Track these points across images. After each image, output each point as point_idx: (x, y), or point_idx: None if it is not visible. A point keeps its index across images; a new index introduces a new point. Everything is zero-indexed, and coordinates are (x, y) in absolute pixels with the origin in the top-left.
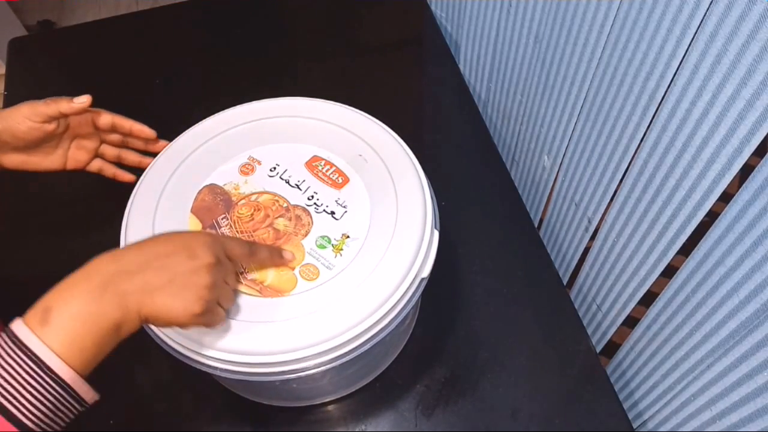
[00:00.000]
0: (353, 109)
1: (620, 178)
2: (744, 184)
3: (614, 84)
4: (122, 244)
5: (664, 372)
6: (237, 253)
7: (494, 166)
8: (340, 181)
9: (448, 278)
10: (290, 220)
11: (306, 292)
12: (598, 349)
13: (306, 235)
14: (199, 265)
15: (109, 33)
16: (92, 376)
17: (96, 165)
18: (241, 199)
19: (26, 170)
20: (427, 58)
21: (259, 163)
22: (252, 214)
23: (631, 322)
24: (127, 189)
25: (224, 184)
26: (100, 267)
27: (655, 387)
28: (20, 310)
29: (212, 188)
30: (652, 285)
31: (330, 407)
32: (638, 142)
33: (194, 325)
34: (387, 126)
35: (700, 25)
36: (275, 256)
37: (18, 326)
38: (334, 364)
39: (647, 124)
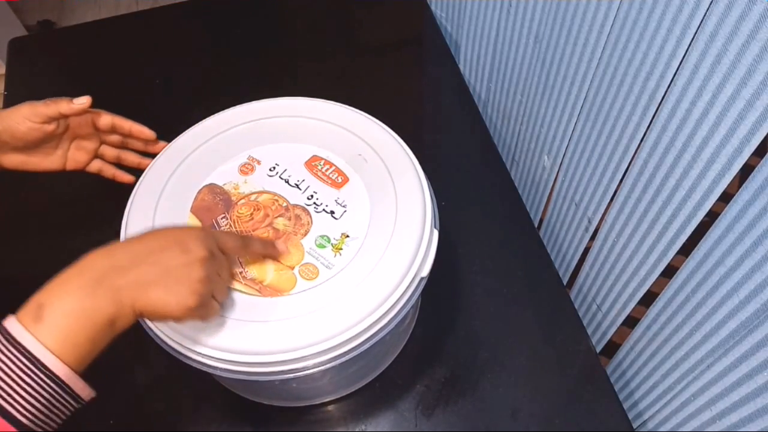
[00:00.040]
0: (353, 109)
1: (620, 178)
2: (744, 184)
3: (614, 84)
4: None
5: (664, 372)
6: (230, 246)
7: (494, 166)
8: (340, 180)
9: (448, 278)
10: (290, 219)
11: (305, 292)
12: (598, 349)
13: (305, 234)
14: (193, 259)
15: (109, 33)
16: (92, 376)
17: (95, 166)
18: (240, 199)
19: (26, 170)
20: (427, 58)
21: (259, 162)
22: (251, 214)
23: (631, 322)
24: (127, 189)
25: (224, 184)
26: (92, 263)
27: (655, 387)
28: None
29: (212, 188)
30: (652, 285)
31: (330, 407)
32: (638, 142)
33: (189, 319)
34: (387, 126)
35: (700, 25)
36: (269, 248)
37: (11, 323)
38: (333, 364)
39: (647, 124)
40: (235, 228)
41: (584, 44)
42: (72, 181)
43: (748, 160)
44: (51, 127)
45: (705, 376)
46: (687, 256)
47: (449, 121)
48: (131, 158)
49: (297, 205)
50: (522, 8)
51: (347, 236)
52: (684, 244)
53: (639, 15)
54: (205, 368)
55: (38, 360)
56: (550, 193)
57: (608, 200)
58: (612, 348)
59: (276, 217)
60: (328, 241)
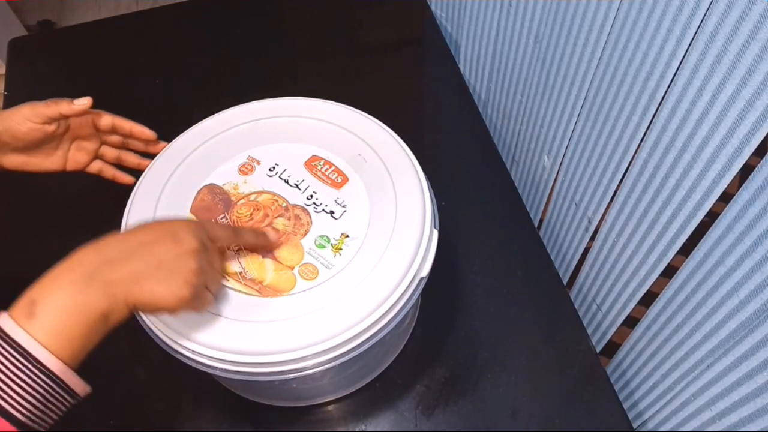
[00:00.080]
0: (353, 109)
1: (620, 178)
2: (744, 184)
3: (614, 84)
4: None
5: (664, 372)
6: (221, 236)
7: (494, 166)
8: (340, 180)
9: (448, 278)
10: (289, 219)
11: (305, 292)
12: (598, 349)
13: (305, 234)
14: (185, 251)
15: (109, 33)
16: (92, 376)
17: (96, 166)
18: (240, 199)
19: (26, 171)
20: (427, 58)
21: (259, 162)
22: (251, 214)
23: (631, 322)
24: (127, 189)
25: (223, 184)
26: (84, 258)
27: (655, 387)
28: None
29: (211, 188)
30: (652, 285)
31: (330, 407)
32: (638, 142)
33: (183, 311)
34: (387, 126)
35: (700, 25)
36: (260, 238)
37: (4, 320)
38: (333, 364)
39: (647, 124)
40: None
41: (584, 44)
42: (72, 181)
43: (748, 160)
44: (51, 127)
45: (705, 376)
46: (687, 256)
47: (449, 121)
48: (131, 159)
49: (297, 205)
50: (522, 8)
51: (347, 236)
52: (684, 244)
53: (639, 15)
54: (205, 368)
55: (32, 356)
56: (550, 193)
57: (608, 200)
58: (612, 348)
59: (276, 217)
60: (328, 241)
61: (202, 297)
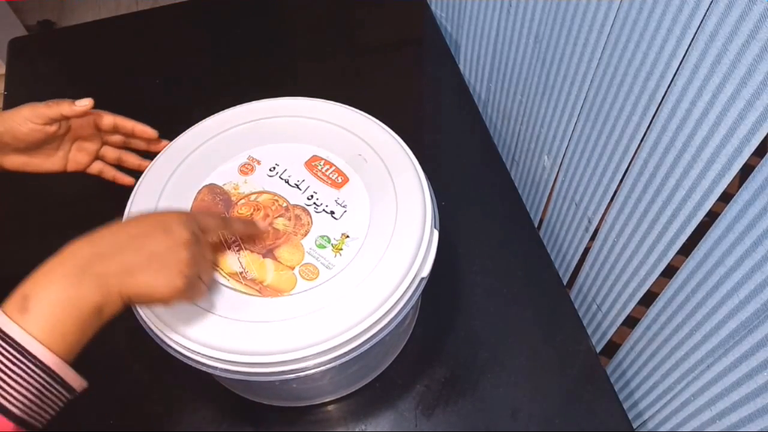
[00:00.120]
0: (353, 109)
1: (620, 178)
2: (744, 184)
3: (614, 84)
4: None
5: (664, 372)
6: (211, 226)
7: (494, 166)
8: (340, 180)
9: (448, 278)
10: (290, 219)
11: (305, 292)
12: (598, 349)
13: (305, 234)
14: (177, 242)
15: (109, 33)
16: (92, 376)
17: (96, 167)
18: (240, 199)
19: (27, 172)
20: (427, 58)
21: (259, 162)
22: (251, 214)
23: (631, 322)
24: (127, 189)
25: (224, 184)
26: (76, 252)
27: (655, 387)
28: None
29: (212, 188)
30: (652, 285)
31: (330, 407)
32: (638, 142)
33: (177, 302)
34: (387, 126)
35: (700, 25)
36: (249, 227)
37: None
38: (333, 364)
39: (647, 124)
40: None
41: (584, 44)
42: (72, 181)
43: (748, 160)
44: (52, 128)
45: (705, 376)
46: (687, 256)
47: (449, 121)
48: (132, 160)
49: (297, 206)
50: (522, 8)
51: (347, 236)
52: (684, 244)
53: (639, 15)
54: (205, 368)
55: (26, 350)
56: (550, 193)
57: (608, 200)
58: (612, 348)
59: (276, 218)
60: (329, 242)
61: (196, 287)
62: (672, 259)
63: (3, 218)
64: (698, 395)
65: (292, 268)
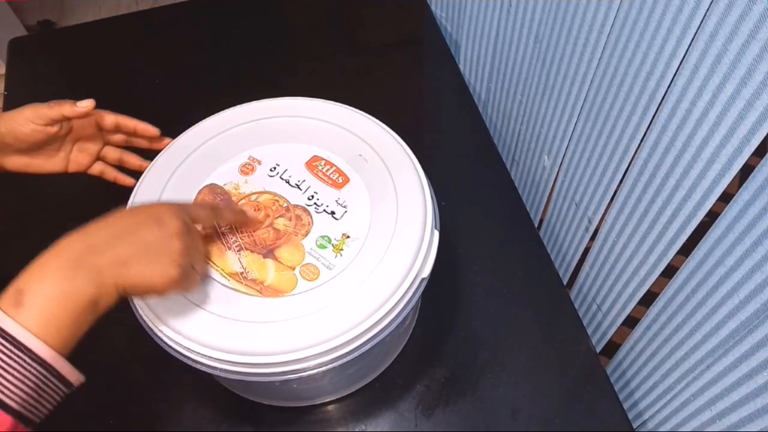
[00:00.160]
0: (353, 109)
1: (620, 178)
2: (744, 184)
3: (614, 84)
4: None
5: (664, 372)
6: (202, 216)
7: (494, 166)
8: (340, 181)
9: (448, 278)
10: (290, 220)
11: (306, 292)
12: (598, 349)
13: (306, 235)
14: (169, 232)
15: (109, 33)
16: (92, 376)
17: (97, 168)
18: (241, 199)
19: (28, 173)
20: (427, 58)
21: (260, 162)
22: None
23: (631, 322)
24: (128, 190)
25: (224, 184)
26: (69, 245)
27: (655, 387)
28: None
29: (212, 188)
30: (652, 285)
31: (330, 407)
32: (638, 142)
33: (172, 291)
34: (387, 126)
35: (700, 25)
36: (239, 216)
37: None
38: (334, 365)
39: (647, 124)
40: (236, 228)
41: (584, 44)
42: (72, 181)
43: (748, 160)
44: (54, 129)
45: (705, 376)
46: (687, 256)
47: (449, 121)
48: (133, 160)
49: (297, 206)
50: (522, 8)
51: (348, 237)
52: (684, 244)
53: (639, 15)
54: (205, 368)
55: (22, 344)
56: (550, 193)
57: (608, 200)
58: (612, 348)
59: (277, 218)
60: (329, 242)
61: (190, 276)
62: (672, 259)
63: (4, 219)
64: (698, 395)
65: (293, 269)
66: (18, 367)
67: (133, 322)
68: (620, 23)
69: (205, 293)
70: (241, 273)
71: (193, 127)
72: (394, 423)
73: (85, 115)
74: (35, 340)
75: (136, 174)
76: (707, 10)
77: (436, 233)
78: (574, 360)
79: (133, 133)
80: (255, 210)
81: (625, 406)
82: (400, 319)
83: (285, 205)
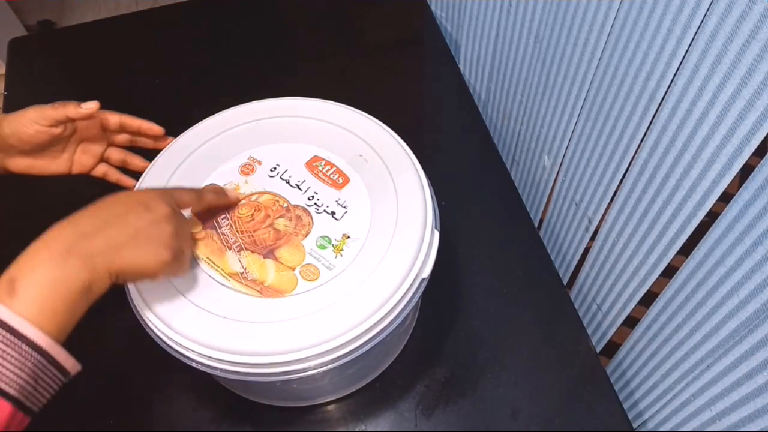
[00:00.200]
0: (353, 109)
1: (620, 178)
2: (744, 184)
3: (614, 84)
4: None
5: (664, 372)
6: (186, 200)
7: (494, 166)
8: (341, 181)
9: (448, 278)
10: (290, 220)
11: (306, 293)
12: (598, 349)
13: (306, 235)
14: (158, 217)
15: (109, 33)
16: (92, 376)
17: (101, 169)
18: (241, 199)
19: (32, 174)
20: (427, 58)
21: (260, 163)
22: (252, 215)
23: (631, 322)
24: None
25: (224, 184)
26: (58, 234)
27: (655, 387)
28: None
29: None
30: (652, 285)
31: (330, 407)
32: (638, 142)
33: (164, 275)
34: (387, 126)
35: (700, 25)
36: (221, 197)
37: None
38: (334, 365)
39: (647, 124)
40: (236, 228)
41: (584, 44)
42: (73, 181)
43: (748, 160)
44: (58, 130)
45: (705, 376)
46: (687, 256)
47: (449, 121)
48: (136, 162)
49: (298, 206)
50: (522, 8)
51: (348, 237)
52: (684, 244)
53: (639, 15)
54: (205, 368)
55: (17, 331)
56: (550, 193)
57: (608, 200)
58: (612, 348)
59: (277, 218)
60: (329, 242)
61: (181, 259)
62: (672, 259)
63: (3, 218)
64: (698, 395)
65: (293, 269)
66: (16, 354)
67: (134, 322)
68: (620, 23)
69: (206, 293)
70: (241, 273)
71: (193, 127)
72: (394, 423)
73: (89, 117)
74: (31, 328)
75: (139, 175)
76: (707, 10)
77: (436, 233)
78: (574, 360)
79: (138, 133)
80: (255, 210)
81: (625, 406)
82: (400, 319)
83: (285, 205)
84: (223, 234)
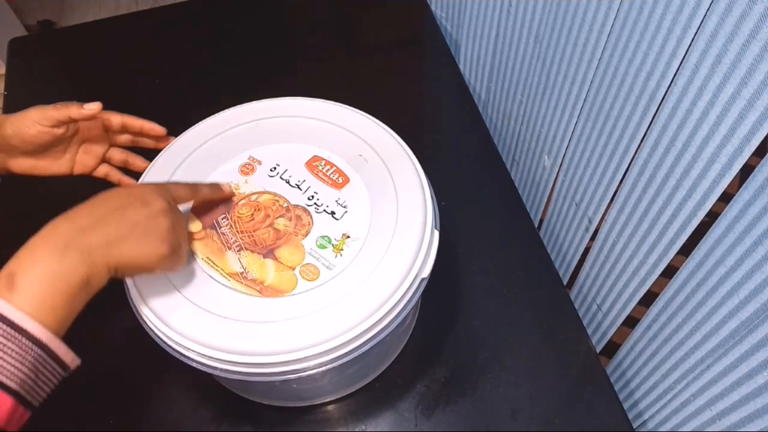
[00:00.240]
0: (353, 109)
1: (620, 178)
2: (744, 184)
3: (614, 84)
4: None
5: (664, 372)
6: (181, 194)
7: (494, 166)
8: (341, 181)
9: (448, 278)
10: (290, 220)
11: (306, 293)
12: (598, 349)
13: (306, 235)
14: (155, 211)
15: (109, 33)
16: (92, 376)
17: (102, 170)
18: (241, 199)
19: (34, 175)
20: (427, 58)
21: (260, 163)
22: (252, 214)
23: (631, 322)
24: None
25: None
26: (56, 229)
27: (655, 387)
28: None
29: None
30: (652, 285)
31: (330, 407)
32: (638, 142)
33: (162, 268)
34: (387, 126)
35: (700, 25)
36: (215, 191)
37: None
38: (334, 365)
39: (647, 124)
40: (236, 228)
41: (584, 44)
42: (74, 181)
43: (748, 160)
44: (60, 130)
45: (705, 376)
46: (687, 256)
47: (449, 121)
48: (138, 162)
49: (298, 206)
50: (522, 8)
51: (348, 237)
52: (684, 244)
53: (639, 15)
54: (205, 368)
55: (17, 325)
56: (550, 193)
57: (608, 200)
58: (612, 348)
59: (277, 218)
60: (329, 242)
61: (179, 253)
62: (672, 259)
63: (4, 218)
64: (698, 395)
65: (293, 269)
66: (16, 348)
67: (133, 322)
68: (620, 23)
69: (206, 293)
70: (241, 273)
71: (193, 127)
72: (394, 423)
73: (91, 118)
74: (31, 322)
75: (140, 176)
76: (707, 10)
77: (436, 233)
78: (574, 360)
79: (140, 133)
80: (255, 210)
81: (625, 406)
82: (400, 319)
83: (285, 205)
84: (223, 234)
